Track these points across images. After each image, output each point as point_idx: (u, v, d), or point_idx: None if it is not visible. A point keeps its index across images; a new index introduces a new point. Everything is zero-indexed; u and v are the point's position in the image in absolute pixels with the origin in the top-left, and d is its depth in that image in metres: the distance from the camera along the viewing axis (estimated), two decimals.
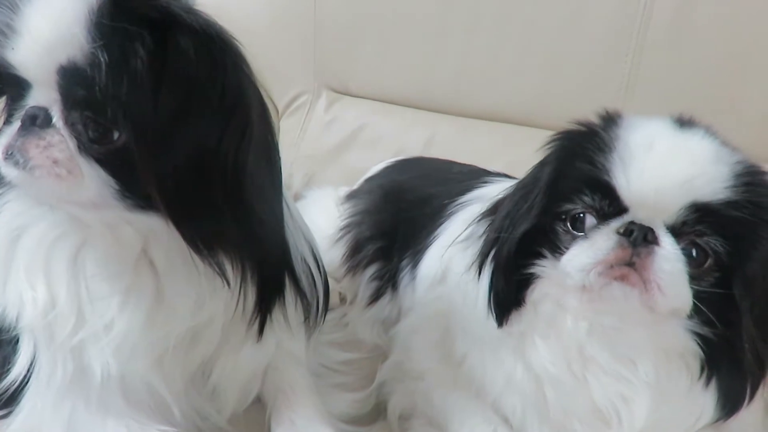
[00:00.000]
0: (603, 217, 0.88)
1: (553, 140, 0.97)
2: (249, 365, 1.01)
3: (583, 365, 0.92)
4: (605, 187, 0.87)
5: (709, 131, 0.91)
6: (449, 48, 1.89)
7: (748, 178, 0.87)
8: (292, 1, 2.13)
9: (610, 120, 0.94)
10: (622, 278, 0.84)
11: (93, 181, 0.80)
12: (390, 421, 1.07)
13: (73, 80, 0.77)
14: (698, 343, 0.90)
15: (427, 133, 1.96)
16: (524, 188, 0.98)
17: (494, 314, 0.95)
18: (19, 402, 0.94)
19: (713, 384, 0.90)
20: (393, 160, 1.64)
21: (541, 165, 0.97)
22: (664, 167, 0.85)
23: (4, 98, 0.88)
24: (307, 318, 1.06)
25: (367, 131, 2.08)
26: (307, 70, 2.18)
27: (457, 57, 1.87)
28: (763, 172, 0.90)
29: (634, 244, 0.84)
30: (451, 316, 1.09)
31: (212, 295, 0.90)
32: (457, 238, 1.10)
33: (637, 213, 0.86)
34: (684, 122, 0.93)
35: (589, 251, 0.86)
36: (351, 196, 1.49)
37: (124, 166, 0.80)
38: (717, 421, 0.92)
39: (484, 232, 1.03)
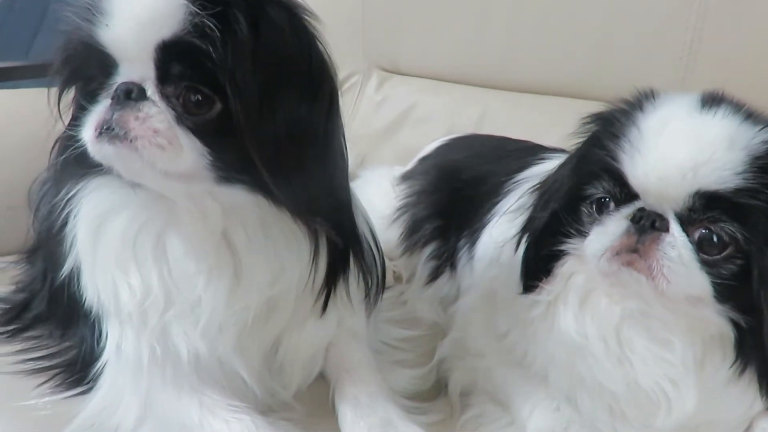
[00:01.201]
0: (619, 202, 0.89)
1: (584, 123, 0.99)
2: (313, 341, 1.04)
3: (622, 345, 0.92)
4: (617, 173, 0.88)
5: (735, 109, 0.87)
6: (496, 21, 1.85)
7: (764, 161, 0.83)
8: None
9: (638, 102, 0.93)
10: (629, 264, 0.85)
11: (190, 151, 0.83)
12: (451, 398, 1.09)
13: (174, 54, 0.82)
14: (733, 330, 0.88)
15: (479, 109, 1.94)
16: (560, 168, 1.01)
17: (522, 281, 0.98)
18: (99, 379, 1.00)
19: (749, 370, 0.89)
20: (446, 138, 1.64)
21: (576, 147, 0.99)
22: (669, 155, 0.84)
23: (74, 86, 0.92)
24: (367, 295, 1.10)
25: (419, 109, 2.08)
26: (356, 50, 2.19)
27: (504, 30, 1.83)
28: None
29: (640, 231, 0.84)
30: (498, 293, 1.10)
31: (287, 268, 0.94)
32: (508, 209, 1.11)
33: (648, 199, 0.87)
34: (710, 100, 0.90)
35: (601, 236, 0.88)
36: (406, 177, 1.50)
37: (218, 136, 0.84)
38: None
39: (530, 205, 1.04)
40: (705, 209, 0.83)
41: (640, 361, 0.91)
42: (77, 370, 1.04)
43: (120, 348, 0.97)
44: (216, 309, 0.92)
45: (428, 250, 1.38)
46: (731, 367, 0.89)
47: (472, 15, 1.93)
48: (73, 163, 0.93)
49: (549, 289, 0.97)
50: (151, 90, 0.83)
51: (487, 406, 1.04)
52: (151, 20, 0.81)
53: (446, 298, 1.31)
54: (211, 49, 0.80)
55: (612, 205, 0.90)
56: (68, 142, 0.91)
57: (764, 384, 0.89)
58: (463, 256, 1.30)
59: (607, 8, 1.65)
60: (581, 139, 0.99)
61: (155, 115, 0.82)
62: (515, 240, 1.03)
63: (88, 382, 1.02)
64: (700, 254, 0.84)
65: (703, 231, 0.84)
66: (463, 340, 1.14)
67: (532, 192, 1.08)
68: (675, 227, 0.84)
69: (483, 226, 1.25)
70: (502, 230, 1.14)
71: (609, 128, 0.91)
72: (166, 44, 0.81)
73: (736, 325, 0.88)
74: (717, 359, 0.90)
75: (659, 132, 0.86)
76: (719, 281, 0.84)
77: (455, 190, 1.38)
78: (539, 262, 0.98)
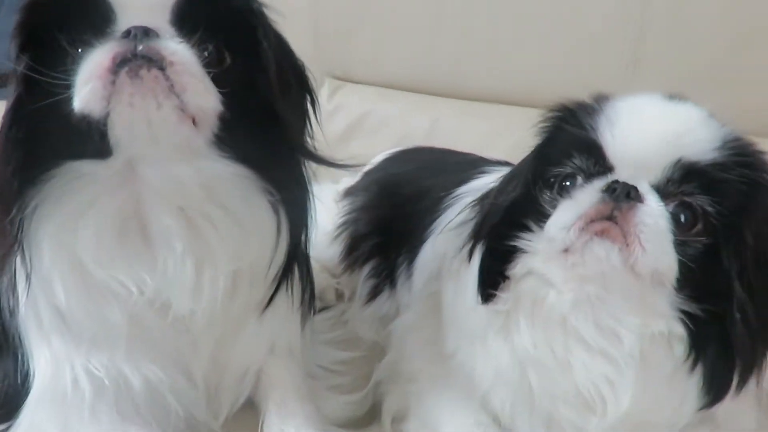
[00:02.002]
0: (589, 178, 0.88)
1: (547, 113, 0.97)
2: (250, 350, 1.02)
3: (567, 346, 0.90)
4: (592, 146, 0.88)
5: (698, 105, 0.90)
6: (447, 30, 1.86)
7: (736, 142, 0.86)
8: None
9: (601, 95, 0.94)
10: (603, 233, 0.83)
11: (214, 92, 0.82)
12: (383, 424, 1.06)
13: (189, 6, 0.83)
14: (685, 323, 0.87)
15: (431, 117, 1.94)
16: (515, 169, 1.00)
17: (479, 290, 0.94)
18: (20, 416, 0.96)
19: (699, 369, 0.87)
20: (391, 151, 1.62)
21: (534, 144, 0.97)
22: (651, 124, 0.86)
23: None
24: (302, 302, 1.07)
25: (371, 118, 2.07)
26: (307, 58, 2.16)
27: (455, 39, 1.84)
28: (752, 142, 0.89)
29: (616, 200, 0.83)
30: (444, 310, 1.07)
31: (251, 242, 0.92)
32: (448, 224, 1.09)
33: (622, 172, 0.86)
34: (675, 97, 0.92)
35: (571, 208, 0.86)
36: (348, 193, 1.48)
37: (231, 94, 0.83)
38: (701, 408, 0.89)
39: (474, 217, 1.02)
40: (681, 181, 0.84)
41: (578, 361, 0.89)
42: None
43: (50, 379, 0.93)
44: (188, 289, 0.89)
45: (368, 267, 1.36)
46: (684, 361, 0.87)
47: (424, 23, 1.93)
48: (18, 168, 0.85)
49: (505, 297, 0.94)
50: (167, 33, 0.81)
51: None
52: None
53: (386, 317, 1.29)
54: (244, 3, 0.85)
55: (580, 181, 0.88)
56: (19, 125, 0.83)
57: (711, 380, 0.88)
58: (402, 273, 1.27)
59: (553, 19, 1.67)
60: (543, 129, 0.96)
61: (183, 49, 0.80)
62: (467, 250, 1.00)
63: (9, 419, 0.97)
64: (672, 228, 0.83)
65: (678, 205, 0.84)
66: (398, 362, 1.12)
67: (474, 206, 1.05)
68: (652, 197, 0.83)
69: (422, 243, 1.23)
70: (444, 244, 1.12)
71: (579, 111, 0.91)
72: None
73: (690, 318, 0.86)
74: (661, 356, 0.88)
75: (636, 110, 0.88)
76: (684, 261, 0.83)
77: (395, 206, 1.36)
78: (493, 263, 0.94)
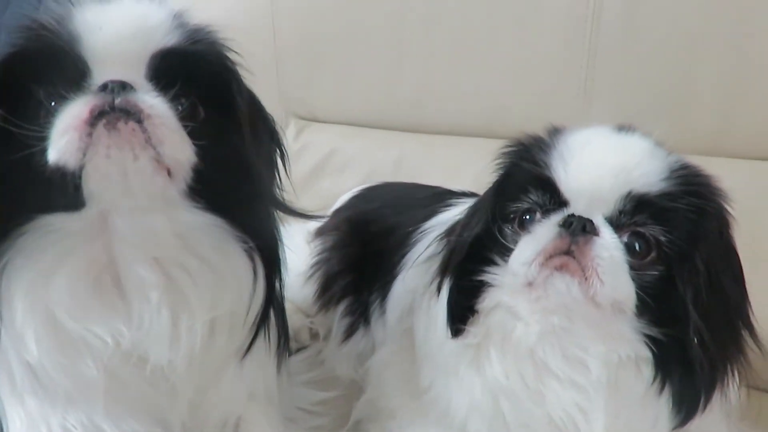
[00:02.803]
0: (546, 212, 0.91)
1: (504, 150, 1.02)
2: (230, 395, 1.01)
3: (538, 376, 0.92)
4: (546, 182, 0.91)
5: (646, 134, 0.94)
6: (408, 67, 1.89)
7: (684, 171, 0.90)
8: (251, 33, 2.14)
9: (555, 129, 0.98)
10: (562, 267, 0.86)
11: (189, 145, 0.83)
12: None
13: (166, 62, 0.84)
14: (649, 346, 0.89)
15: (396, 152, 1.96)
16: (477, 203, 1.03)
17: (448, 325, 0.97)
18: None
19: (666, 390, 0.90)
20: (359, 188, 1.64)
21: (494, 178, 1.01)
22: (601, 159, 0.90)
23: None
24: (279, 345, 1.07)
25: (338, 156, 2.09)
26: (272, 99, 2.18)
27: (416, 75, 1.88)
28: (698, 169, 0.93)
29: (572, 234, 0.86)
30: (417, 345, 1.09)
31: (227, 290, 0.92)
32: (416, 259, 1.12)
33: (577, 206, 0.90)
34: (624, 128, 0.96)
35: (531, 244, 0.89)
36: (319, 233, 1.49)
37: (204, 147, 0.84)
38: (674, 428, 0.91)
39: (441, 251, 1.04)
40: (634, 212, 0.87)
41: (550, 390, 0.91)
42: None
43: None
44: (165, 339, 0.88)
45: (342, 305, 1.37)
46: (652, 384, 0.89)
47: (384, 60, 1.96)
48: None
49: (474, 331, 0.96)
50: (143, 87, 0.82)
51: None
52: (150, 28, 0.84)
53: (363, 354, 1.30)
54: (218, 59, 0.87)
55: (538, 215, 0.92)
56: None
57: (680, 400, 0.90)
58: (375, 310, 1.29)
59: (509, 53, 1.71)
60: (500, 165, 1.01)
61: (160, 103, 0.81)
62: (435, 285, 1.02)
63: None
64: (628, 258, 0.86)
65: (631, 235, 0.87)
66: (377, 399, 1.13)
67: (441, 239, 1.08)
68: (606, 230, 0.87)
69: (393, 279, 1.25)
70: (414, 280, 1.14)
71: (533, 148, 0.95)
72: (163, 51, 0.84)
73: (654, 341, 0.89)
74: (631, 380, 0.90)
75: (587, 144, 0.91)
76: (641, 289, 0.86)
77: (365, 244, 1.38)
78: (460, 299, 0.97)
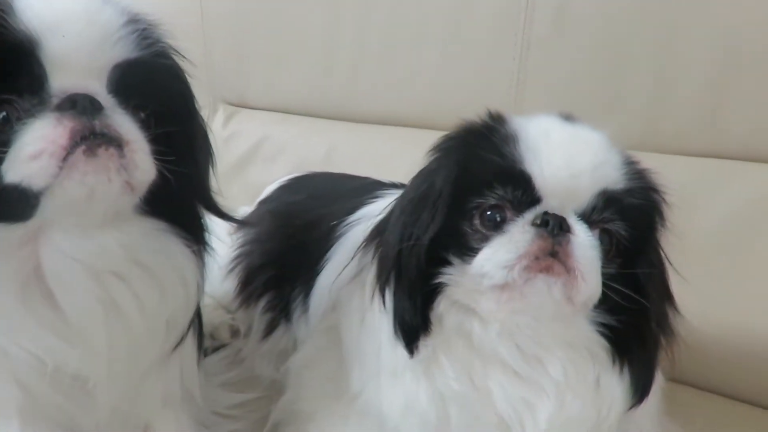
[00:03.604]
0: (516, 209, 0.86)
1: (448, 140, 0.95)
2: (148, 400, 0.96)
3: (485, 375, 0.89)
4: (518, 177, 0.86)
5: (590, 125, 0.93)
6: (340, 55, 1.86)
7: (634, 165, 0.91)
8: (178, 14, 2.04)
9: (499, 117, 0.94)
10: (547, 269, 0.83)
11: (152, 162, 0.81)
12: None
13: (127, 72, 0.81)
14: (603, 334, 0.90)
15: (328, 141, 1.92)
16: (418, 197, 0.93)
17: (404, 343, 0.90)
18: None
19: (626, 370, 0.90)
20: (285, 179, 1.58)
21: (435, 168, 0.93)
22: (571, 154, 0.86)
23: None
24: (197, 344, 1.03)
25: (268, 144, 2.03)
26: (200, 84, 2.09)
27: (348, 64, 1.84)
28: (639, 162, 0.93)
29: (552, 234, 0.83)
30: (346, 348, 1.03)
31: (171, 296, 0.90)
32: (343, 270, 1.05)
33: (551, 202, 0.86)
34: (568, 117, 0.95)
35: (508, 246, 0.84)
36: (241, 225, 1.42)
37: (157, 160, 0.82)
38: (631, 408, 0.91)
39: (374, 258, 0.97)
40: (603, 209, 0.86)
41: (498, 386, 0.89)
42: None
43: None
44: (100, 354, 0.84)
45: (263, 301, 1.30)
46: (613, 366, 0.89)
47: (317, 48, 1.92)
48: None
49: (426, 343, 0.90)
50: (108, 102, 0.79)
51: None
52: (113, 39, 0.80)
53: (284, 352, 1.24)
54: (177, 72, 0.87)
55: (507, 214, 0.86)
56: None
57: (637, 379, 0.90)
58: (298, 306, 1.23)
59: (442, 41, 1.69)
60: (449, 156, 0.92)
61: (129, 123, 0.79)
62: (377, 295, 0.94)
63: None
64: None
65: (600, 231, 0.87)
66: (296, 401, 1.07)
67: (368, 244, 1.00)
68: (580, 228, 0.84)
69: (316, 274, 1.20)
70: (337, 275, 1.09)
71: (491, 136, 0.89)
72: (125, 62, 0.81)
73: (608, 328, 0.89)
74: (582, 368, 0.90)
75: (547, 137, 0.87)
76: (605, 281, 0.85)
77: (288, 237, 1.32)
78: (414, 310, 0.89)
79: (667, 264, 0.95)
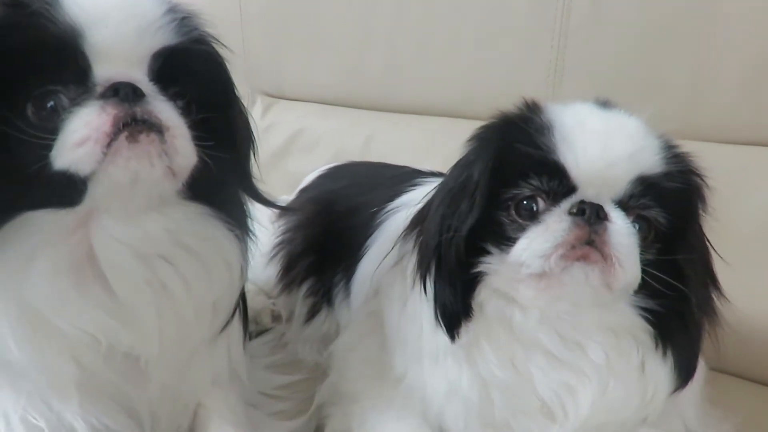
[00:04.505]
0: (552, 199, 0.87)
1: (484, 131, 0.96)
2: (199, 379, 0.99)
3: (527, 360, 0.91)
4: (553, 167, 0.86)
5: (628, 111, 0.93)
6: (377, 45, 1.87)
7: (673, 150, 0.90)
8: (217, 6, 2.07)
9: (535, 106, 0.94)
10: (584, 258, 0.84)
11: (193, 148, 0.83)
12: None
13: (168, 60, 0.83)
14: (646, 318, 0.91)
15: (365, 131, 1.94)
16: (456, 187, 0.94)
17: (445, 329, 0.92)
18: None
19: (669, 354, 0.91)
20: (325, 167, 1.60)
21: (473, 159, 0.94)
22: (606, 142, 0.86)
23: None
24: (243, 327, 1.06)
25: (305, 135, 2.05)
26: (238, 75, 2.13)
27: (385, 54, 1.85)
28: (679, 146, 0.93)
29: (589, 222, 0.84)
30: (388, 333, 1.06)
31: (216, 279, 0.92)
32: (384, 258, 1.07)
33: (586, 191, 0.86)
34: (603, 103, 0.95)
35: (545, 235, 0.85)
36: (283, 212, 1.46)
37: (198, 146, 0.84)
38: (675, 391, 0.92)
39: (415, 246, 0.99)
40: (640, 195, 0.86)
41: (540, 371, 0.90)
42: None
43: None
44: (152, 334, 0.87)
45: (305, 287, 1.34)
46: (656, 350, 0.91)
47: (353, 39, 1.93)
48: None
49: (470, 327, 0.92)
50: (150, 89, 0.81)
51: None
52: (153, 27, 0.81)
53: (326, 336, 1.28)
54: (216, 59, 0.88)
55: (542, 203, 0.87)
56: None
57: (680, 362, 0.91)
58: (340, 292, 1.26)
59: (479, 30, 1.69)
60: (484, 147, 0.93)
61: (170, 109, 0.81)
62: (418, 283, 0.96)
63: None
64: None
65: (636, 218, 0.87)
66: (340, 383, 1.10)
67: (408, 233, 1.02)
68: (618, 215, 0.85)
69: (357, 260, 1.22)
70: (380, 262, 1.11)
71: (526, 127, 0.89)
72: (165, 49, 0.82)
73: (650, 312, 0.90)
74: (626, 352, 0.91)
75: (583, 125, 0.87)
76: (645, 266, 0.86)
77: (330, 224, 1.34)
78: (455, 298, 0.91)
79: (711, 250, 0.94)
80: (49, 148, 0.77)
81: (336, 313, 1.27)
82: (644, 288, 0.88)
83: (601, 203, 0.85)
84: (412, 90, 1.86)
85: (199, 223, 0.90)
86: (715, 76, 1.42)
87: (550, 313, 0.89)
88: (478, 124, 0.98)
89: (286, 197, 1.61)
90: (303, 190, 1.54)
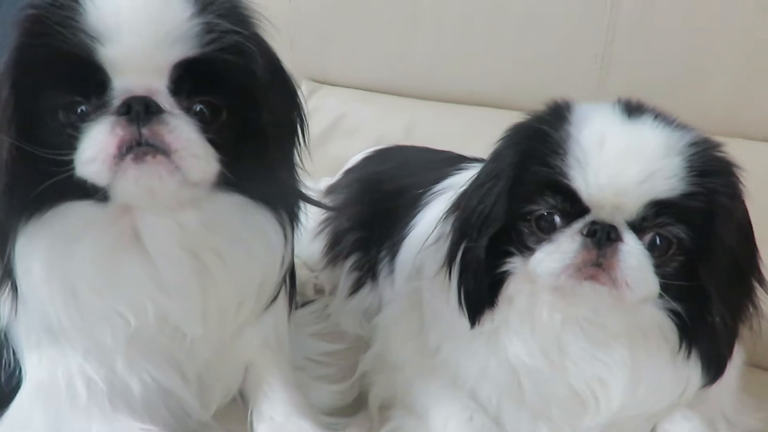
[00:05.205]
0: (567, 217, 0.89)
1: (504, 140, 0.97)
2: (246, 345, 1.04)
3: (561, 352, 0.94)
4: (565, 190, 0.88)
5: (658, 116, 0.91)
6: (422, 33, 1.88)
7: (700, 163, 0.87)
8: None
9: (560, 113, 0.94)
10: (592, 278, 0.87)
11: (213, 158, 0.84)
12: (371, 412, 1.09)
13: (189, 69, 0.82)
14: (672, 319, 0.92)
15: (407, 119, 1.96)
16: (484, 186, 0.97)
17: (467, 315, 0.96)
18: (7, 404, 0.96)
19: (694, 352, 0.93)
20: (372, 150, 1.64)
21: (494, 175, 0.95)
22: (619, 167, 0.86)
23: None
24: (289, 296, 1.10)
25: (348, 120, 2.08)
26: (284, 59, 2.17)
27: (430, 42, 1.87)
28: (716, 150, 0.91)
29: (598, 245, 0.86)
30: (425, 308, 1.10)
31: (259, 264, 0.96)
32: (427, 239, 1.10)
33: (599, 213, 0.88)
34: (632, 109, 0.93)
35: (555, 255, 0.88)
36: (330, 191, 1.50)
37: (223, 144, 0.85)
38: (704, 386, 0.95)
39: (449, 231, 1.02)
40: (655, 216, 0.87)
41: (573, 364, 0.93)
42: None
43: (42, 379, 0.93)
44: (196, 315, 0.92)
45: (350, 261, 1.38)
46: (679, 350, 0.92)
47: (399, 26, 1.95)
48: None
49: (493, 317, 0.96)
50: (168, 103, 0.81)
51: (405, 420, 1.04)
52: (173, 37, 0.80)
53: (369, 310, 1.32)
54: (248, 65, 0.84)
55: (558, 220, 0.90)
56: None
57: (708, 361, 0.93)
58: (384, 268, 1.30)
59: (525, 21, 1.70)
60: (505, 156, 0.95)
61: (184, 126, 0.81)
62: (445, 268, 1.00)
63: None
64: (651, 257, 0.87)
65: (652, 236, 0.88)
66: (384, 353, 1.14)
67: (447, 216, 1.05)
68: (630, 236, 0.87)
69: (402, 239, 1.26)
70: (427, 254, 1.12)
71: (543, 144, 0.90)
72: (186, 60, 0.81)
73: (675, 314, 0.91)
74: (654, 350, 0.93)
75: (601, 145, 0.87)
76: (664, 277, 0.88)
77: (376, 202, 1.38)
78: (480, 291, 0.95)
79: (748, 254, 0.93)
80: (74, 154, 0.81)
81: (379, 289, 1.31)
82: (669, 291, 0.90)
83: (614, 224, 0.87)
84: (455, 79, 1.87)
85: (238, 213, 0.92)
86: (763, 72, 1.42)
87: (571, 316, 0.93)
88: (521, 115, 1.00)
89: (328, 179, 1.65)
90: (348, 171, 1.58)
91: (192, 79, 0.83)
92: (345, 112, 2.08)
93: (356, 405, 1.13)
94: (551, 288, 0.91)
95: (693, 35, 1.49)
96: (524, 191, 0.91)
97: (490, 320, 0.96)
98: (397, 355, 1.12)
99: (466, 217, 0.97)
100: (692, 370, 0.94)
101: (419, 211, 1.27)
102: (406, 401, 1.06)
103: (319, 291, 1.45)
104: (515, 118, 1.01)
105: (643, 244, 0.87)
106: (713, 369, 0.94)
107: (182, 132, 0.81)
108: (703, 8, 1.47)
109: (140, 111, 0.79)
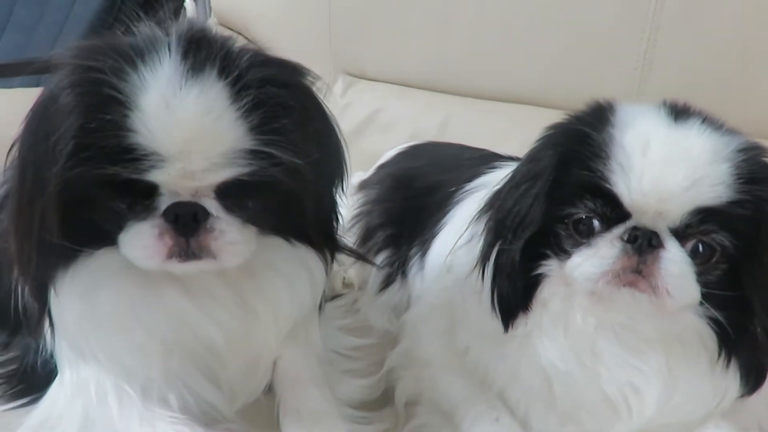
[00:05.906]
0: (607, 222, 0.87)
1: (543, 141, 0.95)
2: (277, 344, 1.06)
3: (595, 357, 0.92)
4: (606, 194, 0.86)
5: (705, 120, 0.89)
6: (460, 29, 1.87)
7: (748, 170, 0.85)
8: None
9: (602, 114, 0.91)
10: (631, 285, 0.85)
11: (252, 237, 0.90)
12: (397, 407, 1.09)
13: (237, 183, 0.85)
14: (712, 327, 0.90)
15: (442, 115, 1.96)
16: (520, 187, 0.95)
17: (500, 318, 0.95)
18: (41, 394, 0.99)
19: (733, 362, 0.91)
20: (405, 145, 1.64)
21: (532, 176, 0.93)
22: (663, 173, 0.84)
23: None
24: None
25: (383, 115, 2.09)
26: (322, 54, 2.19)
27: (468, 38, 1.86)
28: (765, 156, 0.89)
29: (639, 251, 0.84)
30: (455, 307, 1.10)
31: (299, 292, 1.01)
32: (459, 239, 1.09)
33: (641, 218, 0.85)
34: (678, 112, 0.90)
35: (594, 260, 0.86)
36: (363, 186, 1.50)
37: (260, 218, 0.91)
38: (743, 396, 0.93)
39: (483, 231, 1.01)
40: (700, 223, 0.84)
41: (606, 370, 0.92)
42: (18, 382, 1.03)
43: (76, 388, 0.97)
44: (240, 344, 0.97)
45: (381, 257, 1.38)
46: (718, 359, 0.90)
47: (437, 22, 1.95)
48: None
49: (527, 320, 0.95)
50: (213, 208, 0.86)
51: (431, 417, 1.05)
52: (224, 161, 0.82)
53: (398, 306, 1.32)
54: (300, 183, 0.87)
55: (597, 225, 0.88)
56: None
57: (747, 371, 0.91)
58: (414, 265, 1.30)
59: (565, 19, 1.68)
60: (544, 157, 0.93)
61: (227, 228, 0.86)
62: (478, 268, 0.99)
63: (28, 396, 1.01)
64: (694, 265, 0.85)
65: (695, 243, 0.86)
66: (412, 350, 1.14)
67: (480, 216, 1.03)
68: (672, 243, 0.85)
69: (433, 236, 1.26)
70: (459, 253, 1.11)
71: (584, 146, 0.88)
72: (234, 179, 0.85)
73: (715, 322, 0.89)
74: (693, 358, 0.92)
75: (645, 150, 0.85)
76: (705, 285, 0.86)
77: (408, 198, 1.38)
78: (515, 295, 0.94)
79: None
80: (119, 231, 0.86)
81: (409, 285, 1.31)
82: (710, 299, 0.87)
83: (656, 230, 0.84)
84: (492, 76, 1.86)
85: (281, 253, 0.97)
86: None
87: (606, 322, 0.91)
88: (559, 114, 0.97)
89: (361, 173, 1.66)
90: (382, 166, 1.58)
91: (238, 187, 0.86)
92: (380, 107, 2.08)
93: (383, 400, 1.13)
94: (587, 292, 0.89)
95: (741, 36, 1.45)
96: (562, 194, 0.89)
97: (523, 324, 0.95)
98: (425, 352, 1.12)
99: (501, 219, 0.95)
100: (730, 380, 0.92)
101: (451, 209, 1.26)
102: (432, 398, 1.06)
103: (347, 285, 1.45)
104: (552, 116, 0.99)
105: (686, 251, 0.85)
106: (752, 379, 0.92)
107: (227, 236, 0.86)
108: (752, 8, 1.43)
109: (188, 221, 0.84)
